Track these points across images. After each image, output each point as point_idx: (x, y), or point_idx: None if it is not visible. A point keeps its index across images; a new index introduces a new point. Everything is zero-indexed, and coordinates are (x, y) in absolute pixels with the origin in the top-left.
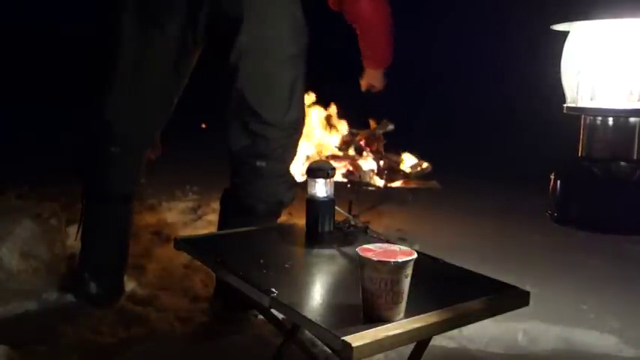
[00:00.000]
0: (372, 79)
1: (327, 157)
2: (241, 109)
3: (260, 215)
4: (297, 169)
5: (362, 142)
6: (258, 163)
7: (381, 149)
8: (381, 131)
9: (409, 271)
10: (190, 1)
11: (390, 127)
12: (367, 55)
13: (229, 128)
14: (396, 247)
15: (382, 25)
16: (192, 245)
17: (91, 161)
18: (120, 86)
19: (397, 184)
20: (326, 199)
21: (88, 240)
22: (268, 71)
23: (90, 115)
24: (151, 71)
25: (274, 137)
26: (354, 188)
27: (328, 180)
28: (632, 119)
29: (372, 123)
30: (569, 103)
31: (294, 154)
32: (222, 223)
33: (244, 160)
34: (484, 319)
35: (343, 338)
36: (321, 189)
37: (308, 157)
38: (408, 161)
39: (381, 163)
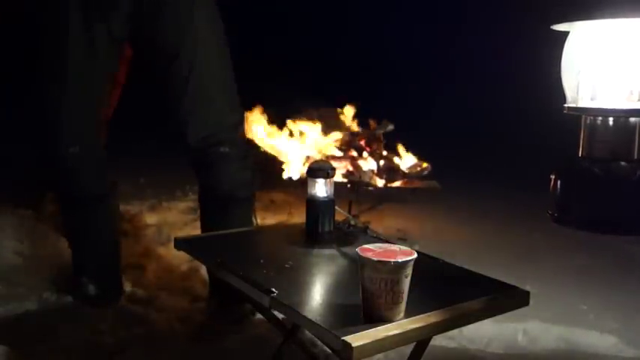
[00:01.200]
0: None
1: (327, 157)
2: (198, 100)
3: (236, 202)
4: (298, 169)
5: (362, 143)
6: (222, 149)
7: (381, 149)
8: (380, 131)
9: (409, 271)
10: None
11: (390, 127)
12: None
13: (187, 125)
14: (396, 247)
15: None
16: (192, 245)
17: (54, 167)
18: (70, 84)
19: (397, 184)
20: (326, 199)
21: (75, 244)
22: (219, 58)
23: (41, 120)
24: (99, 66)
25: (232, 123)
26: (354, 188)
27: (328, 180)
28: (632, 119)
29: (372, 123)
30: (570, 103)
31: (245, 139)
32: (204, 223)
33: (208, 150)
34: (484, 319)
35: (343, 338)
36: (321, 189)
37: (308, 158)
38: (407, 161)
39: (381, 163)
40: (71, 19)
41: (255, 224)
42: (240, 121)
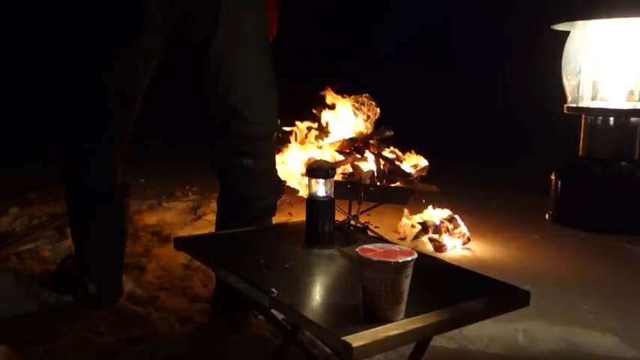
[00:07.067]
0: None
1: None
2: (224, 111)
3: (254, 212)
4: (297, 170)
5: (361, 145)
6: (245, 162)
7: (381, 151)
8: (378, 137)
9: (409, 271)
10: (159, 6)
11: (388, 133)
12: None
13: (212, 133)
14: (396, 247)
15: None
16: (192, 245)
17: (69, 160)
18: (90, 87)
19: (397, 184)
20: (326, 199)
21: (78, 241)
22: (249, 71)
23: (65, 115)
24: (120, 74)
25: (258, 135)
26: (354, 188)
27: (328, 180)
28: (632, 119)
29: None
30: (570, 103)
31: (275, 150)
32: (219, 224)
33: (230, 159)
34: (484, 319)
35: (343, 338)
36: (321, 189)
37: (308, 158)
38: (406, 161)
39: (381, 164)
40: (93, 31)
41: None
42: (271, 133)
